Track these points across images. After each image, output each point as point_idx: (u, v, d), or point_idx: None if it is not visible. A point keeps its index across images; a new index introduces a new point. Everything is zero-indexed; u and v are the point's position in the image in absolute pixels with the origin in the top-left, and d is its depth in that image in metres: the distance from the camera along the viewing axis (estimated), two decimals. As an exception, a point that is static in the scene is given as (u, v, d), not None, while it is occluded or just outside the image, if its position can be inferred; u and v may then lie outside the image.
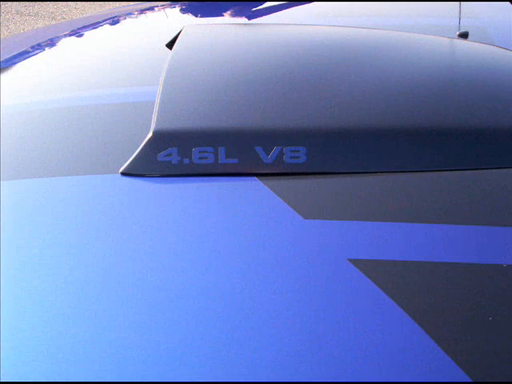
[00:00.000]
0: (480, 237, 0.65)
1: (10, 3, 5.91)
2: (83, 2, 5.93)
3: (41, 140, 0.87)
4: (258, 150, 0.76)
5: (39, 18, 5.49)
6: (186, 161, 0.76)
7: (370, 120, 0.79)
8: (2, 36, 4.98)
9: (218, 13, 1.57)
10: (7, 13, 5.64)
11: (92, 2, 5.93)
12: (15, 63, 1.28)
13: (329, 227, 0.67)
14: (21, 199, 0.75)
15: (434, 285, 0.59)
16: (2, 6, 5.74)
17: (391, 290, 0.58)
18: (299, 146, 0.76)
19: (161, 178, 0.76)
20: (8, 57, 1.32)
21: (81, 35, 1.52)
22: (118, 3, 5.60)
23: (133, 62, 1.16)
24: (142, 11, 1.69)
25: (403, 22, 1.32)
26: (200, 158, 0.76)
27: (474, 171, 0.76)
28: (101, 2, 5.89)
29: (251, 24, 1.39)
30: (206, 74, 0.92)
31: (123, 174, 0.76)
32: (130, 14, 1.68)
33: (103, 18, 1.65)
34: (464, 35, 1.14)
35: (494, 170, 0.76)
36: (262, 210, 0.70)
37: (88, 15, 1.99)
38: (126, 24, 1.63)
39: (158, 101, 0.84)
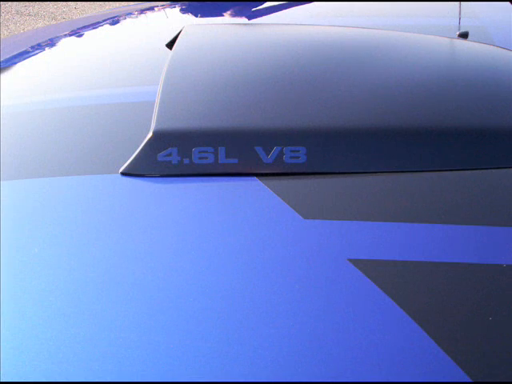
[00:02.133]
0: (480, 237, 0.65)
1: (9, 3, 5.91)
2: (83, 2, 5.94)
3: (41, 140, 0.87)
4: (258, 149, 0.76)
5: (39, 18, 5.49)
6: (186, 161, 0.76)
7: (370, 120, 0.79)
8: (2, 36, 4.98)
9: (218, 13, 1.57)
10: (7, 13, 5.64)
11: (92, 2, 5.93)
12: (15, 63, 1.28)
13: (329, 227, 0.67)
14: (21, 199, 0.75)
15: (434, 285, 0.59)
16: (2, 6, 5.74)
17: (391, 290, 0.58)
18: (299, 145, 0.76)
19: (161, 178, 0.76)
20: (8, 57, 1.32)
21: (81, 35, 1.52)
22: (117, 3, 5.60)
23: (133, 62, 1.16)
24: (142, 11, 1.69)
25: (403, 22, 1.32)
26: (200, 158, 0.76)
27: (474, 171, 0.76)
28: (101, 2, 5.89)
29: (251, 24, 1.39)
30: (206, 74, 0.92)
31: (123, 173, 0.76)
32: (129, 13, 1.68)
33: (103, 18, 1.65)
34: (464, 35, 1.14)
35: (493, 170, 0.76)
36: (262, 209, 0.70)
37: (88, 15, 1.99)
38: (126, 24, 1.63)
39: (157, 101, 0.84)
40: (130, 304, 0.57)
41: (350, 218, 0.68)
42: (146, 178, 0.76)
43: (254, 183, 0.74)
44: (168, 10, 1.66)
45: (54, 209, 0.72)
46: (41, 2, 5.97)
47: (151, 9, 1.68)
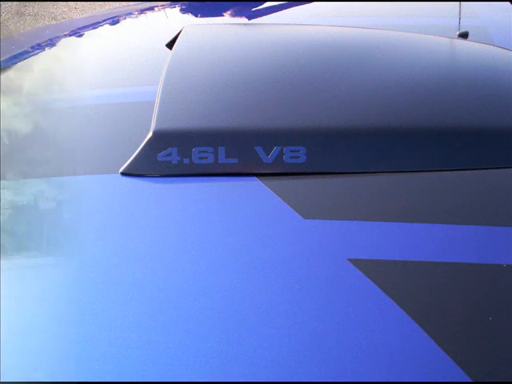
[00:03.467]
0: (480, 237, 0.65)
1: (9, 3, 5.91)
2: (83, 2, 5.93)
3: (41, 140, 0.87)
4: (258, 149, 0.76)
5: (39, 18, 5.49)
6: (186, 161, 0.76)
7: (369, 120, 0.79)
8: (1, 36, 4.98)
9: (218, 13, 1.57)
10: (7, 13, 5.64)
11: (92, 2, 5.93)
12: (15, 63, 1.28)
13: (329, 227, 0.67)
14: (21, 199, 0.75)
15: (434, 285, 0.59)
16: (2, 6, 5.74)
17: (391, 290, 0.58)
18: (299, 145, 0.76)
19: (161, 178, 0.76)
20: (8, 57, 1.32)
21: (81, 35, 1.52)
22: (117, 3, 5.60)
23: (133, 62, 1.16)
24: (142, 11, 1.69)
25: (403, 22, 1.32)
26: (200, 158, 0.76)
27: (474, 171, 0.76)
28: (101, 2, 5.89)
29: (251, 24, 1.39)
30: (206, 74, 0.92)
31: (123, 173, 0.76)
32: (129, 13, 1.68)
33: (103, 18, 1.65)
34: (464, 35, 1.14)
35: (493, 170, 0.76)
36: (262, 210, 0.70)
37: (88, 15, 1.99)
38: (126, 24, 1.63)
39: (157, 101, 0.84)
40: (130, 304, 0.57)
41: (350, 218, 0.68)
42: (146, 178, 0.76)
43: (254, 183, 0.74)
44: (168, 9, 1.66)
45: (54, 209, 0.72)
46: (41, 2, 5.97)
47: (151, 9, 1.68)
